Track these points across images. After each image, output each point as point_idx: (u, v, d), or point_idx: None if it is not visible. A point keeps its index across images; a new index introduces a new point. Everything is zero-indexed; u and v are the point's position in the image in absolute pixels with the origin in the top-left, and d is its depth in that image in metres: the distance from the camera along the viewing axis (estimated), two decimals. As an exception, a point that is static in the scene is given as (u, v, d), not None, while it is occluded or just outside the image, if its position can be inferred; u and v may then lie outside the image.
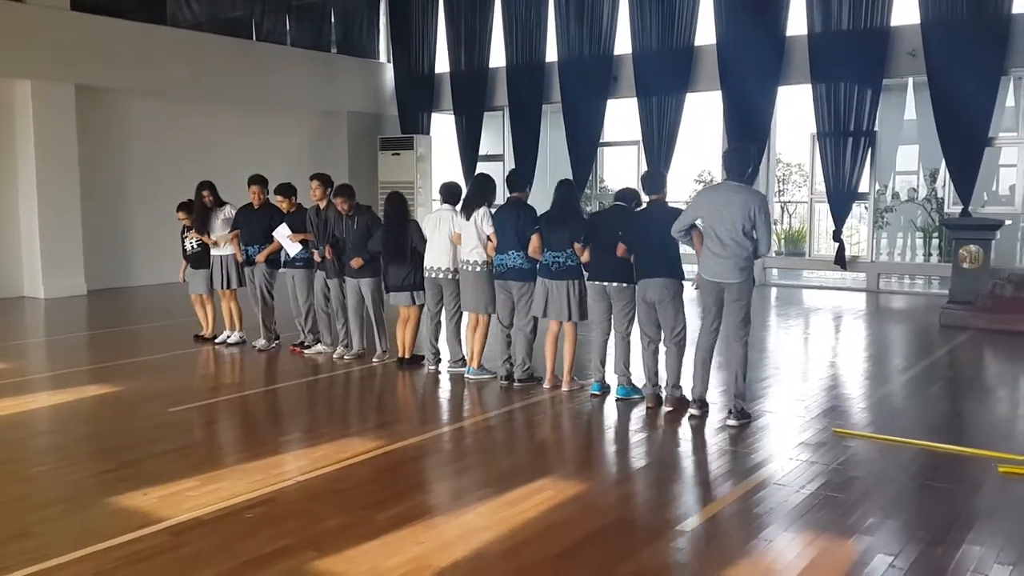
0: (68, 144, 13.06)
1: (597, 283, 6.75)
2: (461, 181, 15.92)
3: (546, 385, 7.10)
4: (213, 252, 8.92)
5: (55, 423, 6.45)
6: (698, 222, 6.09)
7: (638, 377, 6.80)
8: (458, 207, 7.46)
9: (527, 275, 6.99)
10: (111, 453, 5.66)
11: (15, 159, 12.93)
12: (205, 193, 8.87)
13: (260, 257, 8.61)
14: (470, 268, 7.29)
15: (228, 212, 8.87)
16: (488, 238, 7.15)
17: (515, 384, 7.18)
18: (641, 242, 6.41)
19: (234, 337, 9.05)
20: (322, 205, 8.25)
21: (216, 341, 9.12)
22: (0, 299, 12.75)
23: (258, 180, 8.74)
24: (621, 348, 6.79)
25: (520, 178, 7.36)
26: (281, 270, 8.71)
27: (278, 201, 8.49)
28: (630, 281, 6.61)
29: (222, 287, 8.93)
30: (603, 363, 6.94)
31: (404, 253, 7.65)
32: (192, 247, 9.03)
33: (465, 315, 7.64)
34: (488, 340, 7.47)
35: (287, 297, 8.69)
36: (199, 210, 8.88)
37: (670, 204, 6.64)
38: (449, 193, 7.68)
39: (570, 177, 14.95)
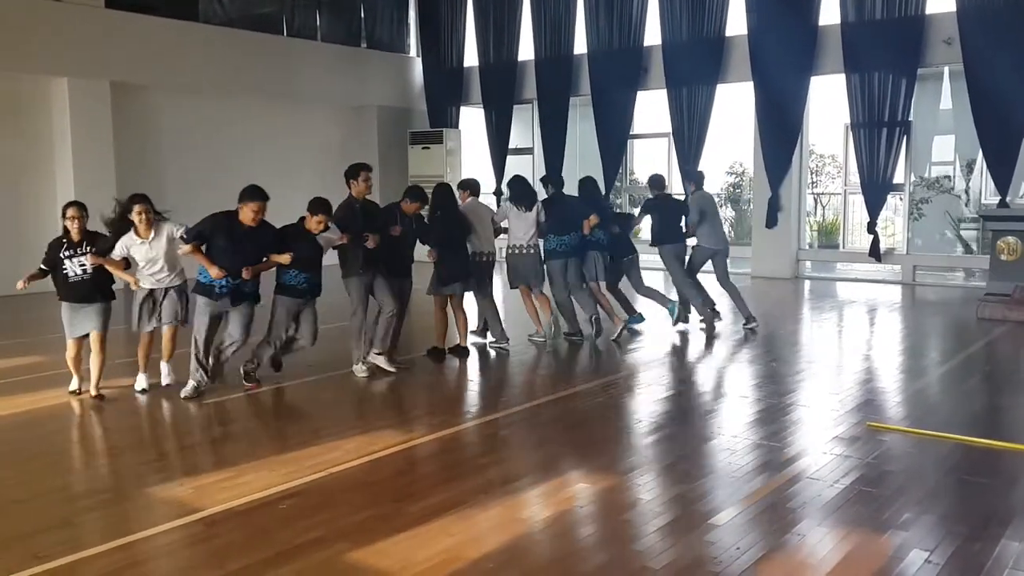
0: (104, 140, 13.24)
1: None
2: (491, 175, 16.21)
3: (618, 328, 8.87)
4: (162, 282, 6.78)
5: (92, 415, 6.55)
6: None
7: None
8: (506, 200, 8.92)
9: (579, 251, 8.75)
10: (147, 445, 5.75)
11: (52, 156, 13.14)
12: (139, 207, 6.56)
13: (247, 274, 6.58)
14: (528, 251, 8.58)
15: (172, 229, 6.66)
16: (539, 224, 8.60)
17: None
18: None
19: (168, 379, 7.06)
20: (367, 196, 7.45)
21: (160, 384, 7.06)
22: (37, 294, 12.93)
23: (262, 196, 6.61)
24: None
25: (560, 177, 9.29)
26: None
27: (316, 222, 6.82)
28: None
29: (174, 321, 6.89)
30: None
31: (466, 241, 8.17)
32: (82, 274, 6.51)
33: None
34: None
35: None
36: (119, 231, 6.64)
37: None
38: (476, 187, 8.67)
39: (601, 169, 15.06)
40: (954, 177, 14.41)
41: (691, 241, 9.60)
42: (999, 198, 12.09)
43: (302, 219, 6.92)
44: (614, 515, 4.44)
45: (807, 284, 13.87)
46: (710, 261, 9.52)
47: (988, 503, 4.47)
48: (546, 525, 4.27)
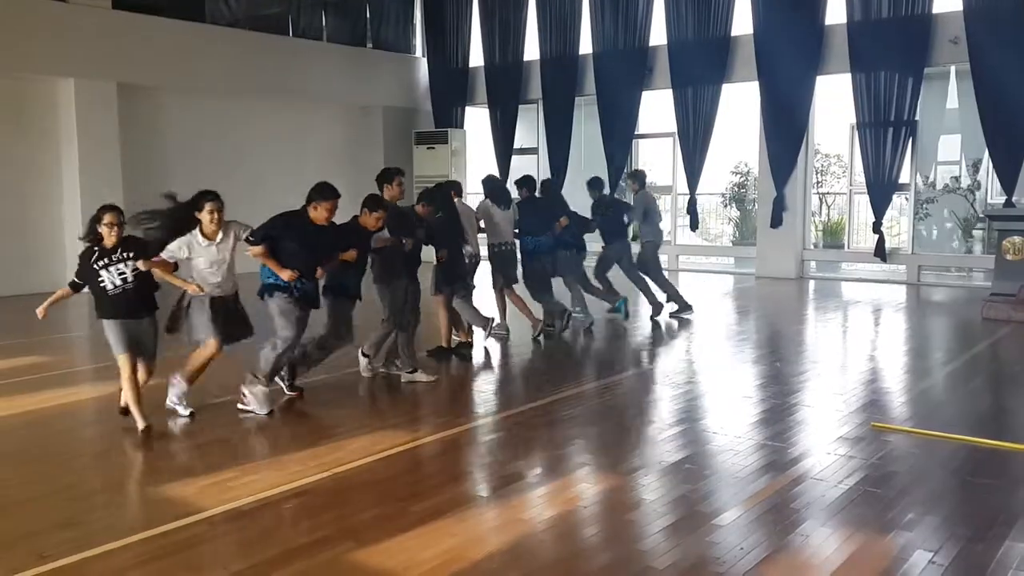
0: (110, 141, 13.28)
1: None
2: (497, 175, 16.13)
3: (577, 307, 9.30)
4: (215, 290, 6.00)
5: (99, 414, 6.57)
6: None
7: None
8: (485, 199, 8.88)
9: (554, 250, 9.10)
10: (153, 443, 5.77)
11: (59, 156, 13.18)
12: (211, 205, 5.91)
13: (321, 270, 6.32)
14: (512, 247, 8.87)
15: (239, 229, 6.06)
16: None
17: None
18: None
19: (185, 409, 6.19)
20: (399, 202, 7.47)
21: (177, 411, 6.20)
22: (44, 293, 12.97)
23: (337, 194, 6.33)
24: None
25: (533, 180, 9.40)
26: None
27: (375, 219, 6.64)
28: None
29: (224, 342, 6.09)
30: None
31: (463, 242, 8.22)
32: (122, 284, 5.71)
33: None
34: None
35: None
36: (179, 229, 5.93)
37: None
38: (459, 189, 8.90)
39: (605, 169, 15.07)
40: (960, 176, 14.37)
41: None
42: (1005, 198, 12.06)
43: (355, 217, 6.74)
44: (618, 515, 4.44)
45: (812, 284, 13.86)
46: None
47: (992, 504, 4.46)
48: (549, 525, 4.28)
